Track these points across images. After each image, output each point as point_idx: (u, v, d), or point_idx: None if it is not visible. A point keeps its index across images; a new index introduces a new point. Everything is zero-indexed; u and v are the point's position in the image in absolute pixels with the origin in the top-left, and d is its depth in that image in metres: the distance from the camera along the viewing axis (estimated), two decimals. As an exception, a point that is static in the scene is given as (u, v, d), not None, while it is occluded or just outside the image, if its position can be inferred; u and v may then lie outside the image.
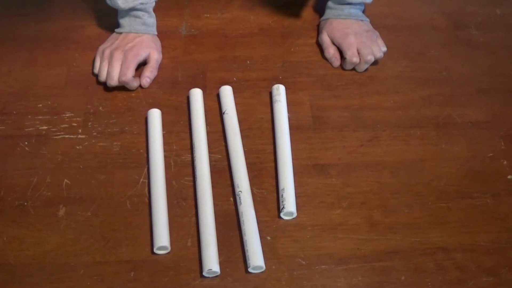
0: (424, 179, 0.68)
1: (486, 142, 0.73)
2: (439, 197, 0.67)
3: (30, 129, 0.72)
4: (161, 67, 0.80)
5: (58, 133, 0.71)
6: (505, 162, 0.70)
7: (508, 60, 0.84)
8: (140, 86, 0.77)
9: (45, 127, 0.72)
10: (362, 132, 0.73)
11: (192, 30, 0.86)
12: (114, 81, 0.74)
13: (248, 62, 0.81)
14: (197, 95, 0.74)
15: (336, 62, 0.81)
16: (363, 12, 0.85)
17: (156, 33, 0.81)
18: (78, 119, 0.73)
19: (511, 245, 0.63)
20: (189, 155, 0.70)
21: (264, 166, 0.69)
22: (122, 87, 0.75)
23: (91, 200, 0.65)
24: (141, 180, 0.67)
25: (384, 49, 0.80)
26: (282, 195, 0.64)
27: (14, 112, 0.74)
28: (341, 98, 0.77)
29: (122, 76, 0.73)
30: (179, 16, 0.88)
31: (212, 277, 0.59)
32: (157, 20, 0.81)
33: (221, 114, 0.74)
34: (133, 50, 0.75)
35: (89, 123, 0.72)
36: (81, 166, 0.68)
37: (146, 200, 0.65)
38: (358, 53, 0.78)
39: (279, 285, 0.59)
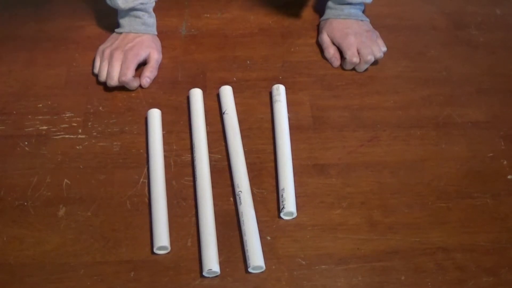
0: (424, 179, 0.68)
1: (486, 142, 0.73)
2: (439, 197, 0.67)
3: (30, 129, 0.72)
4: (161, 67, 0.80)
5: (58, 133, 0.71)
6: (505, 162, 0.70)
7: (508, 60, 0.84)
8: (140, 86, 0.77)
9: (45, 127, 0.72)
10: (362, 132, 0.73)
11: (192, 30, 0.86)
12: (114, 81, 0.74)
13: (248, 62, 0.81)
14: (197, 95, 0.74)
15: (336, 62, 0.81)
16: (363, 12, 0.85)
17: (156, 33, 0.81)
18: (78, 119, 0.73)
19: (511, 245, 0.63)
20: (189, 155, 0.70)
21: (264, 166, 0.69)
22: (122, 87, 0.75)
23: (91, 200, 0.65)
24: (141, 180, 0.67)
25: (384, 49, 0.80)
26: (282, 195, 0.64)
27: (14, 112, 0.74)
28: (341, 98, 0.77)
29: (122, 76, 0.73)
30: (179, 16, 0.88)
31: (212, 277, 0.59)
32: (157, 20, 0.81)
33: (221, 114, 0.74)
34: (133, 50, 0.75)
35: (89, 123, 0.72)
36: (81, 166, 0.68)
37: (146, 200, 0.65)
38: (358, 53, 0.78)
39: (279, 285, 0.59)
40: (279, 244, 0.62)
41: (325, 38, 0.82)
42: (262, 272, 0.59)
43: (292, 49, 0.83)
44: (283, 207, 0.63)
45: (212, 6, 0.90)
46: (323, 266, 0.60)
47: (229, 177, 0.67)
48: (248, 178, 0.66)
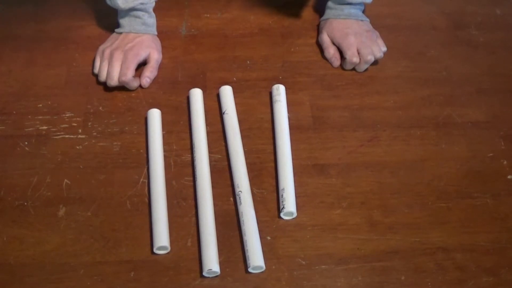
0: (424, 179, 0.68)
1: (486, 142, 0.73)
2: (439, 197, 0.67)
3: (30, 129, 0.72)
4: (161, 67, 0.80)
5: (58, 133, 0.71)
6: (505, 162, 0.70)
7: (508, 60, 0.84)
8: (140, 86, 0.77)
9: (45, 127, 0.72)
10: (362, 132, 0.73)
11: (192, 30, 0.86)
12: (114, 81, 0.74)
13: (248, 62, 0.81)
14: (197, 95, 0.74)
15: (336, 62, 0.81)
16: (363, 12, 0.85)
17: (156, 33, 0.81)
18: (78, 119, 0.73)
19: (511, 245, 0.63)
20: (189, 155, 0.70)
21: (264, 166, 0.69)
22: (122, 87, 0.75)
23: (91, 200, 0.65)
24: (141, 180, 0.67)
25: (384, 49, 0.80)
26: (282, 195, 0.64)
27: (14, 112, 0.74)
28: (341, 98, 0.77)
29: (122, 76, 0.73)
30: (179, 16, 0.88)
31: (212, 277, 0.59)
32: (157, 20, 0.81)
33: (221, 114, 0.74)
34: (133, 50, 0.75)
35: (89, 123, 0.72)
36: (81, 166, 0.68)
37: (146, 200, 0.65)
38: (358, 53, 0.78)
39: (279, 285, 0.59)
40: (279, 244, 0.62)
41: (325, 38, 0.82)
42: (262, 272, 0.59)
43: (292, 49, 0.83)
44: (283, 207, 0.63)
45: (212, 6, 0.90)
46: (323, 266, 0.60)
47: (229, 177, 0.67)
48: (248, 178, 0.66)
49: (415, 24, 0.89)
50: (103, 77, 0.75)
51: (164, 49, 0.82)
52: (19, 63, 0.80)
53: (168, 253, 0.61)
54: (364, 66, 0.79)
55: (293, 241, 0.62)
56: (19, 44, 0.83)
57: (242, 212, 0.62)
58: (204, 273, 0.58)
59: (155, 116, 0.71)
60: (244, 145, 0.69)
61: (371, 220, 0.64)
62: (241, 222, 0.62)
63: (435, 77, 0.80)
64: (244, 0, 0.91)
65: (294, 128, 0.72)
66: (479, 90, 0.79)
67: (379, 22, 0.86)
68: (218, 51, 0.83)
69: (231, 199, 0.66)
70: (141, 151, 0.70)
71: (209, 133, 0.71)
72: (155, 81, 0.78)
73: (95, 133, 0.71)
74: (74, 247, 0.61)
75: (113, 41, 0.78)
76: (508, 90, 0.80)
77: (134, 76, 0.75)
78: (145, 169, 0.68)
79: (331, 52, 0.81)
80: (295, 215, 0.64)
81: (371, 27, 0.83)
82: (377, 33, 0.82)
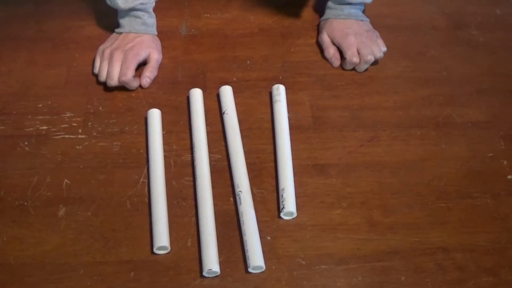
0: (424, 179, 0.68)
1: (486, 142, 0.73)
2: (439, 197, 0.67)
3: (30, 129, 0.72)
4: (161, 67, 0.80)
5: (58, 133, 0.71)
6: (505, 162, 0.70)
7: (508, 60, 0.84)
8: (140, 86, 0.77)
9: (45, 127, 0.72)
10: (362, 132, 0.73)
11: (192, 30, 0.86)
12: (114, 81, 0.74)
13: (248, 62, 0.81)
14: (197, 95, 0.74)
15: (336, 62, 0.81)
16: (363, 12, 0.85)
17: (156, 33, 0.81)
18: (78, 119, 0.73)
19: (511, 245, 0.63)
20: (189, 155, 0.70)
21: (264, 166, 0.69)
22: (122, 87, 0.75)
23: (91, 200, 0.65)
24: (141, 180, 0.67)
25: (384, 49, 0.80)
26: (282, 195, 0.64)
27: (14, 112, 0.74)
28: (341, 98, 0.77)
29: (122, 76, 0.73)
30: (179, 16, 0.88)
31: (212, 277, 0.59)
32: (157, 20, 0.81)
33: (221, 114, 0.74)
34: (133, 50, 0.75)
35: (89, 123, 0.72)
36: (81, 166, 0.68)
37: (146, 200, 0.65)
38: (358, 53, 0.78)
39: (279, 285, 0.59)
40: (279, 244, 0.62)
41: (325, 38, 0.82)
42: (262, 272, 0.59)
43: (292, 49, 0.83)
44: (283, 207, 0.63)
45: (212, 6, 0.90)
46: (323, 266, 0.60)
47: (229, 177, 0.67)
48: (248, 178, 0.66)
49: (415, 24, 0.89)
50: (103, 77, 0.75)
51: (164, 49, 0.82)
52: (19, 63, 0.80)
53: (168, 253, 0.61)
54: (364, 66, 0.79)
55: (293, 241, 0.62)
56: (19, 44, 0.83)
57: (242, 212, 0.62)
58: (204, 273, 0.58)
59: (155, 116, 0.71)
60: (244, 145, 0.69)
61: (371, 220, 0.64)
62: (241, 222, 0.62)
63: (435, 77, 0.80)
64: (244, 0, 0.91)
65: (294, 128, 0.72)
66: (479, 90, 0.79)
67: (379, 22, 0.86)
68: (218, 51, 0.83)
69: (231, 199, 0.66)
70: (141, 151, 0.70)
71: (209, 133, 0.71)
72: (155, 81, 0.78)
73: (95, 133, 0.71)
74: (74, 247, 0.61)
75: (113, 41, 0.78)
76: (508, 90, 0.80)
77: (134, 76, 0.75)
78: (145, 169, 0.68)
79: (331, 52, 0.81)
80: (295, 215, 0.64)
81: (371, 27, 0.83)
82: (377, 33, 0.82)
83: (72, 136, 0.71)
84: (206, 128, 0.72)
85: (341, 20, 0.82)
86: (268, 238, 0.62)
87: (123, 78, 0.73)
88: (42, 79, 0.78)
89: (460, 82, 0.80)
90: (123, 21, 0.78)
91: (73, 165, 0.68)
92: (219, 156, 0.70)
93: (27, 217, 0.63)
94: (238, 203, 0.63)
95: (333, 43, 0.81)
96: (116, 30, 0.79)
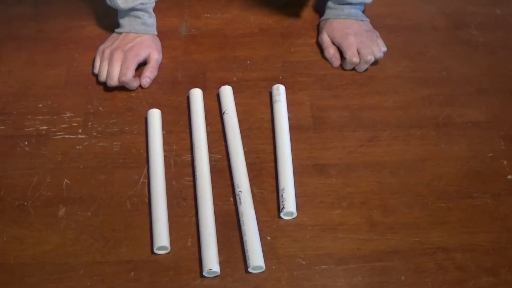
0: (424, 179, 0.68)
1: (486, 142, 0.73)
2: (439, 197, 0.67)
3: (30, 129, 0.72)
4: (161, 67, 0.80)
5: (58, 133, 0.71)
6: (505, 162, 0.70)
7: (508, 60, 0.84)
8: (140, 86, 0.77)
9: (45, 127, 0.72)
10: (362, 132, 0.73)
11: (192, 30, 0.86)
12: (114, 81, 0.74)
13: (248, 62, 0.81)
14: (197, 95, 0.74)
15: (336, 62, 0.81)
16: (363, 12, 0.85)
17: (156, 33, 0.81)
18: (78, 119, 0.73)
19: (511, 245, 0.63)
20: (189, 155, 0.70)
21: (264, 166, 0.69)
22: (122, 87, 0.75)
23: (91, 200, 0.65)
24: (141, 180, 0.67)
25: (384, 49, 0.80)
26: (282, 195, 0.64)
27: (14, 112, 0.74)
28: (341, 98, 0.77)
29: (122, 76, 0.73)
30: (179, 16, 0.88)
31: (212, 277, 0.59)
32: (157, 20, 0.81)
33: (221, 114, 0.74)
34: (133, 50, 0.75)
35: (89, 123, 0.72)
36: (81, 166, 0.68)
37: (146, 200, 0.65)
38: (358, 53, 0.78)
39: (279, 285, 0.59)
40: (279, 244, 0.62)
41: (325, 38, 0.82)
42: (262, 272, 0.59)
43: (292, 49, 0.83)
44: (283, 207, 0.63)
45: (212, 6, 0.90)
46: (323, 266, 0.60)
47: (229, 177, 0.67)
48: (248, 178, 0.66)
49: (415, 24, 0.89)
50: (103, 77, 0.75)
51: (164, 49, 0.82)
52: (19, 63, 0.80)
53: (168, 253, 0.61)
54: (364, 66, 0.79)
55: (293, 241, 0.62)
56: (19, 44, 0.83)
57: (242, 212, 0.62)
58: (204, 273, 0.58)
59: (155, 116, 0.71)
60: (244, 145, 0.69)
61: (371, 220, 0.64)
62: (241, 222, 0.62)
63: (435, 77, 0.80)
64: (244, 0, 0.91)
65: (294, 128, 0.72)
66: (479, 90, 0.79)
67: (379, 22, 0.86)
68: (218, 51, 0.83)
69: (231, 199, 0.66)
70: (141, 151, 0.70)
71: (209, 133, 0.71)
72: (155, 81, 0.78)
73: (95, 133, 0.71)
74: (74, 247, 0.61)
75: (113, 41, 0.78)
76: (508, 90, 0.80)
77: (134, 76, 0.75)
78: (145, 169, 0.68)
79: (331, 52, 0.81)
80: (295, 215, 0.64)
81: (371, 27, 0.83)
82: (377, 33, 0.82)
83: (72, 136, 0.71)
84: (206, 128, 0.72)
85: (341, 20, 0.82)
86: (268, 238, 0.62)
87: (123, 78, 0.73)
88: (42, 79, 0.78)
89: (460, 82, 0.80)
90: (123, 21, 0.78)
91: (73, 165, 0.68)
92: (219, 156, 0.70)
93: (27, 217, 0.63)
94: (238, 203, 0.63)
95: (333, 43, 0.81)
96: (116, 30, 0.79)
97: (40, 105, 0.74)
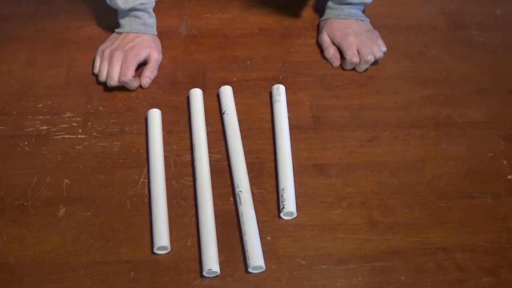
0: (424, 179, 0.68)
1: (486, 142, 0.73)
2: (439, 197, 0.67)
3: (30, 129, 0.72)
4: (161, 67, 0.80)
5: (58, 133, 0.71)
6: (505, 162, 0.70)
7: (508, 60, 0.84)
8: (140, 86, 0.77)
9: (45, 127, 0.72)
10: (362, 132, 0.73)
11: (192, 30, 0.86)
12: (114, 81, 0.74)
13: (248, 62, 0.81)
14: (197, 95, 0.74)
15: (336, 62, 0.81)
16: (363, 12, 0.85)
17: (156, 33, 0.81)
18: (78, 119, 0.73)
19: (511, 245, 0.63)
20: (189, 155, 0.70)
21: (264, 166, 0.69)
22: (122, 87, 0.75)
23: (91, 200, 0.65)
24: (141, 180, 0.67)
25: (384, 49, 0.80)
26: (282, 195, 0.64)
27: (14, 112, 0.74)
28: (341, 98, 0.77)
29: (122, 76, 0.73)
30: (179, 16, 0.88)
31: (212, 277, 0.59)
32: (157, 20, 0.81)
33: (221, 114, 0.74)
34: (133, 50, 0.75)
35: (89, 123, 0.72)
36: (81, 166, 0.68)
37: (146, 200, 0.65)
38: (358, 53, 0.78)
39: (279, 285, 0.59)
40: (279, 244, 0.62)
41: (325, 38, 0.82)
42: (262, 272, 0.59)
43: (292, 49, 0.83)
44: (283, 207, 0.63)
45: (212, 6, 0.90)
46: (323, 266, 0.60)
47: (229, 177, 0.67)
48: (248, 178, 0.66)
49: (415, 24, 0.89)
50: (103, 77, 0.75)
51: (164, 49, 0.82)
52: (19, 63, 0.80)
53: (168, 253, 0.61)
54: (364, 66, 0.79)
55: (293, 241, 0.62)
56: (19, 44, 0.83)
57: (242, 212, 0.62)
58: (204, 273, 0.58)
59: (155, 116, 0.71)
60: (244, 145, 0.69)
61: (371, 220, 0.64)
62: (241, 222, 0.62)
63: (435, 77, 0.80)
64: (244, 0, 0.91)
65: (294, 128, 0.72)
66: (479, 90, 0.79)
67: (379, 22, 0.86)
68: (218, 51, 0.83)
69: (231, 199, 0.66)
70: (141, 151, 0.70)
71: (209, 133, 0.71)
72: (155, 81, 0.78)
73: (95, 133, 0.71)
74: (74, 247, 0.61)
75: (113, 41, 0.78)
76: (508, 90, 0.80)
77: (134, 76, 0.75)
78: (145, 169, 0.68)
79: (331, 52, 0.81)
80: (295, 215, 0.64)
81: (371, 27, 0.83)
82: (377, 33, 0.82)
83: (72, 136, 0.71)
84: (206, 128, 0.72)
85: (341, 20, 0.82)
86: (268, 238, 0.62)
87: (123, 78, 0.73)
88: (42, 79, 0.78)
89: (460, 82, 0.80)
90: (123, 21, 0.78)
91: (73, 165, 0.68)
92: (219, 156, 0.70)
93: (27, 217, 0.63)
94: (238, 203, 0.63)
95: (333, 43, 0.81)
96: (116, 30, 0.79)
97: (40, 105, 0.74)
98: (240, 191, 0.64)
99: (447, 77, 0.81)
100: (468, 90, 0.79)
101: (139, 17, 0.77)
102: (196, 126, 0.70)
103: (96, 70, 0.77)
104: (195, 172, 0.66)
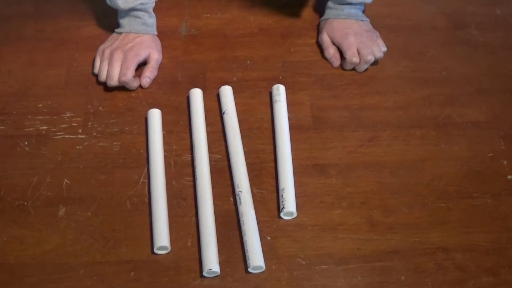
0: (424, 179, 0.68)
1: (486, 142, 0.73)
2: (439, 197, 0.67)
3: (30, 129, 0.72)
4: (161, 67, 0.80)
5: (58, 133, 0.71)
6: (505, 162, 0.70)
7: (508, 60, 0.84)
8: (140, 86, 0.77)
9: (45, 127, 0.72)
10: (362, 132, 0.73)
11: (192, 30, 0.86)
12: (114, 81, 0.74)
13: (248, 62, 0.81)
14: (197, 95, 0.74)
15: (336, 62, 0.81)
16: (363, 12, 0.85)
17: (156, 33, 0.81)
18: (78, 119, 0.73)
19: (511, 245, 0.63)
20: (189, 155, 0.70)
21: (264, 166, 0.69)
22: (122, 87, 0.75)
23: (91, 200, 0.65)
24: (141, 180, 0.67)
25: (384, 49, 0.80)
26: (282, 195, 0.64)
27: (14, 112, 0.74)
28: (341, 98, 0.77)
29: (122, 76, 0.73)
30: (179, 16, 0.88)
31: (212, 277, 0.59)
32: (157, 20, 0.81)
33: (221, 114, 0.74)
34: (133, 50, 0.75)
35: (89, 123, 0.72)
36: (81, 166, 0.68)
37: (146, 200, 0.65)
38: (358, 53, 0.78)
39: (279, 285, 0.59)
40: (279, 244, 0.62)
41: (325, 38, 0.82)
42: (262, 272, 0.59)
43: (292, 49, 0.83)
44: (283, 207, 0.63)
45: (212, 6, 0.90)
46: (323, 266, 0.60)
47: (229, 177, 0.67)
48: (248, 178, 0.66)
49: (415, 24, 0.89)
50: (103, 77, 0.75)
51: (164, 49, 0.82)
52: (19, 63, 0.80)
53: (168, 253, 0.61)
54: (364, 66, 0.79)
55: (293, 241, 0.62)
56: (19, 44, 0.83)
57: (242, 212, 0.62)
58: (204, 273, 0.58)
59: (155, 116, 0.71)
60: (244, 145, 0.69)
61: (371, 220, 0.64)
62: (241, 222, 0.62)
63: (435, 77, 0.80)
64: (244, 0, 0.91)
65: (294, 128, 0.72)
66: (479, 90, 0.79)
67: (379, 22, 0.86)
68: (218, 51, 0.83)
69: (231, 199, 0.66)
70: (141, 151, 0.70)
71: (209, 133, 0.71)
72: (155, 81, 0.78)
73: (95, 133, 0.71)
74: (74, 247, 0.61)
75: (113, 41, 0.78)
76: (508, 90, 0.80)
77: (134, 76, 0.75)
78: (145, 169, 0.68)
79: (331, 52, 0.81)
80: (295, 215, 0.64)
81: (371, 27, 0.83)
82: (377, 33, 0.82)
83: (72, 136, 0.71)
84: (206, 128, 0.72)
85: (341, 20, 0.82)
86: (268, 238, 0.62)
87: (123, 78, 0.73)
88: (42, 79, 0.78)
89: (460, 82, 0.80)
90: (123, 21, 0.78)
91: (73, 165, 0.68)
92: (219, 156, 0.70)
93: (27, 217, 0.63)
94: (238, 203, 0.63)
95: (333, 43, 0.81)
96: (116, 30, 0.79)
97: (40, 105, 0.74)
98: (240, 191, 0.64)
99: (447, 77, 0.81)
100: (468, 90, 0.79)
101: (139, 17, 0.77)
102: (196, 126, 0.70)
103: (96, 70, 0.77)
104: (195, 172, 0.66)
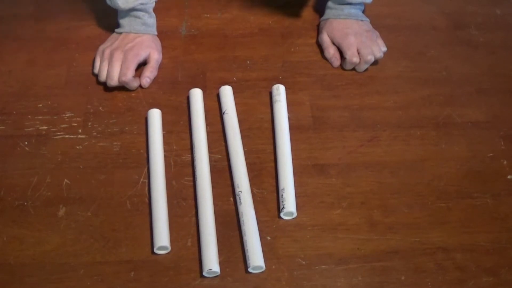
0: (424, 179, 0.68)
1: (486, 142, 0.73)
2: (439, 197, 0.67)
3: (30, 129, 0.72)
4: (161, 67, 0.80)
5: (58, 133, 0.71)
6: (505, 162, 0.70)
7: (508, 60, 0.84)
8: (140, 86, 0.77)
9: (45, 127, 0.72)
10: (362, 132, 0.73)
11: (192, 30, 0.86)
12: (114, 81, 0.74)
13: (248, 62, 0.81)
14: (197, 95, 0.74)
15: (336, 62, 0.81)
16: (363, 12, 0.85)
17: (156, 33, 0.81)
18: (78, 119, 0.73)
19: (511, 245, 0.63)
20: (189, 155, 0.70)
21: (264, 166, 0.69)
22: (122, 87, 0.75)
23: (91, 200, 0.65)
24: (141, 180, 0.67)
25: (384, 49, 0.80)
26: (282, 195, 0.64)
27: (14, 112, 0.74)
28: (341, 98, 0.77)
29: (122, 76, 0.73)
30: (179, 16, 0.88)
31: (212, 277, 0.59)
32: (157, 20, 0.81)
33: (221, 114, 0.74)
34: (133, 50, 0.75)
35: (89, 123, 0.72)
36: (81, 166, 0.68)
37: (146, 200, 0.65)
38: (358, 53, 0.78)
39: (279, 285, 0.59)
40: (279, 244, 0.62)
41: (325, 38, 0.82)
42: (262, 272, 0.59)
43: (292, 49, 0.83)
44: (283, 207, 0.63)
45: (212, 6, 0.90)
46: (323, 266, 0.60)
47: (229, 177, 0.67)
48: (248, 178, 0.66)
49: (415, 24, 0.89)
50: (103, 77, 0.75)
51: (164, 49, 0.82)
52: (19, 63, 0.80)
53: (168, 253, 0.61)
54: (364, 66, 0.79)
55: (293, 241, 0.62)
56: (19, 44, 0.83)
57: (242, 212, 0.62)
58: (204, 273, 0.58)
59: (155, 116, 0.71)
60: (244, 145, 0.69)
61: (371, 220, 0.64)
62: (241, 222, 0.62)
63: (435, 77, 0.80)
64: (244, 0, 0.91)
65: (294, 128, 0.72)
66: (479, 90, 0.79)
67: (379, 22, 0.86)
68: (218, 51, 0.83)
69: (231, 199, 0.66)
70: (141, 151, 0.70)
71: (209, 133, 0.71)
72: (155, 81, 0.78)
73: (95, 133, 0.71)
74: (74, 247, 0.61)
75: (113, 41, 0.78)
76: (508, 90, 0.80)
77: (134, 76, 0.75)
78: (145, 169, 0.68)
79: (331, 52, 0.81)
80: (295, 215, 0.64)
81: (371, 27, 0.83)
82: (377, 33, 0.82)
83: (72, 136, 0.71)
84: (206, 128, 0.72)
85: (341, 20, 0.82)
86: (268, 238, 0.62)
87: (123, 78, 0.73)
88: (42, 79, 0.78)
89: (460, 82, 0.80)
90: (123, 21, 0.78)
91: (73, 165, 0.68)
92: (219, 156, 0.70)
93: (27, 217, 0.63)
94: (238, 203, 0.63)
95: (333, 43, 0.81)
96: (116, 30, 0.79)
97: (40, 105, 0.74)
98: (240, 191, 0.64)
99: (447, 77, 0.81)
100: (468, 90, 0.79)
101: (139, 17, 0.77)
102: (196, 126, 0.70)
103: (96, 70, 0.77)
104: (195, 172, 0.66)
